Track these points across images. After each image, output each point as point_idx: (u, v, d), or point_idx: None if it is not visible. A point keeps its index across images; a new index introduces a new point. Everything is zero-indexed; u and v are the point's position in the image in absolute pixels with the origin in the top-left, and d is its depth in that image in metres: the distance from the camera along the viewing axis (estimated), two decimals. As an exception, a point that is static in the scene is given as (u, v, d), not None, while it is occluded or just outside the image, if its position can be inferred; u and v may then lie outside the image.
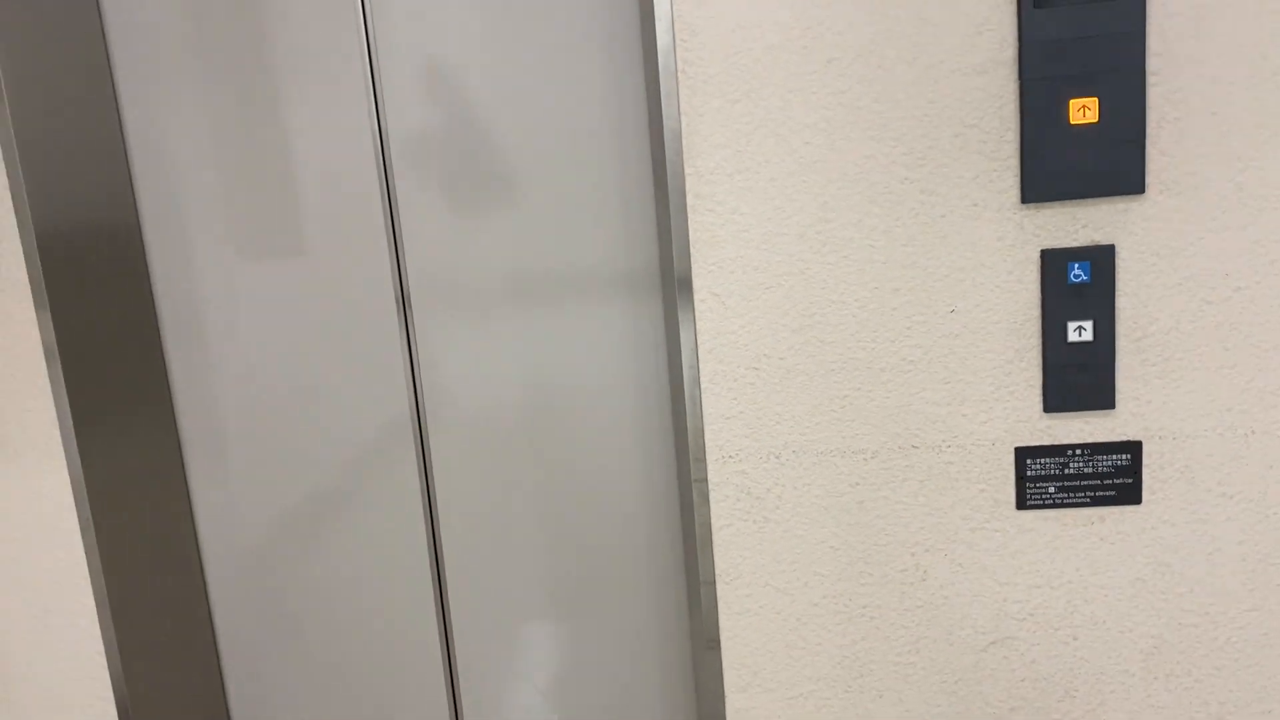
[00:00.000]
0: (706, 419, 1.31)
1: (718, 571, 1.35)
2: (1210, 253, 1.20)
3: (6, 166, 1.34)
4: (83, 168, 1.43)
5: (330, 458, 1.61)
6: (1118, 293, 1.23)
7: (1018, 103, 1.20)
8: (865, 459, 1.30)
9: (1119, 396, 1.25)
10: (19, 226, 1.35)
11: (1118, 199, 1.21)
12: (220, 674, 1.69)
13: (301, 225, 1.54)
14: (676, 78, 1.23)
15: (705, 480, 1.33)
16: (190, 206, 1.53)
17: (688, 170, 1.26)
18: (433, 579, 1.63)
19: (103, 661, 1.49)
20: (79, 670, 1.50)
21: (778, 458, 1.31)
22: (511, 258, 1.52)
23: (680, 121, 1.24)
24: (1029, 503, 1.29)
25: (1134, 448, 1.26)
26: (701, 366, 1.30)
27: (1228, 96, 1.17)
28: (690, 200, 1.26)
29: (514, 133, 1.50)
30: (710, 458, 1.32)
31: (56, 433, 1.41)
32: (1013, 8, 1.18)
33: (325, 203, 1.52)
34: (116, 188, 1.50)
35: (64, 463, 1.42)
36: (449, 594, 1.63)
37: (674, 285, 1.30)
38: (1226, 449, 1.25)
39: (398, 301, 1.54)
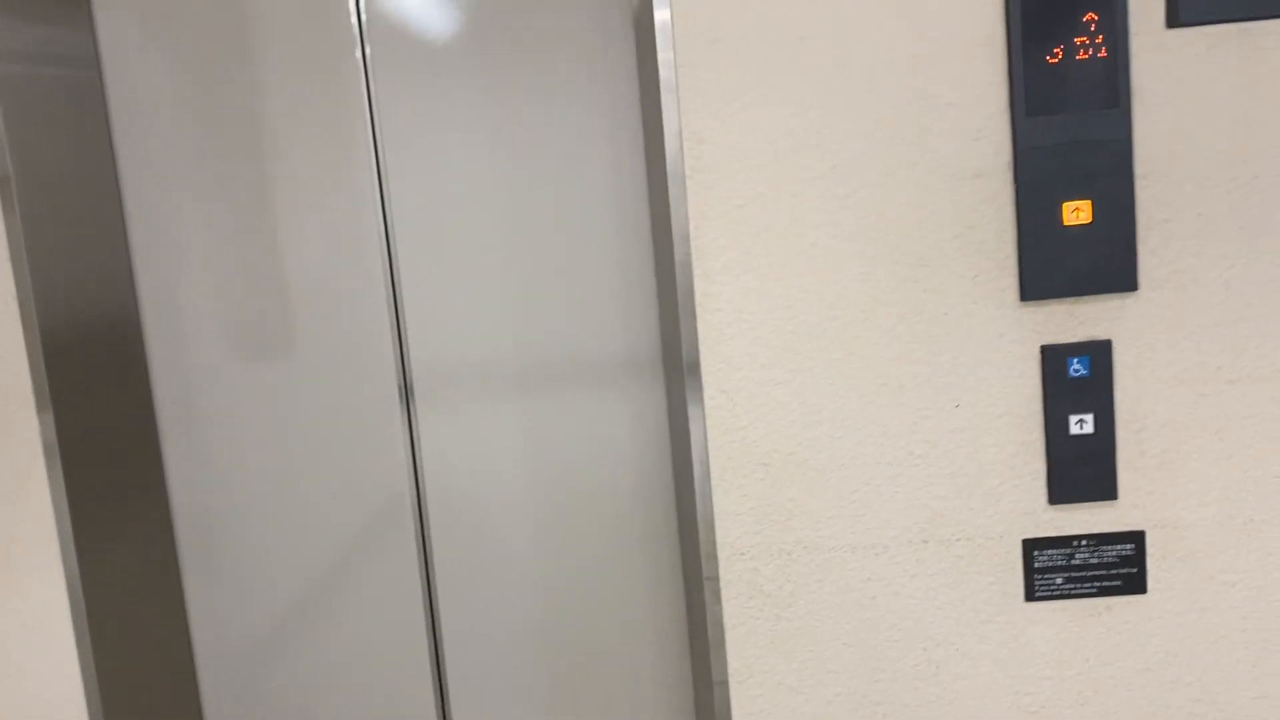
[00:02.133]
0: (717, 516, 1.32)
1: (730, 671, 1.34)
2: (1203, 347, 1.25)
3: (14, 267, 1.33)
4: (86, 267, 1.44)
5: (331, 553, 1.58)
6: (1116, 386, 1.27)
7: (1014, 205, 1.25)
8: (876, 554, 1.31)
9: (1121, 487, 1.28)
10: (24, 328, 1.34)
11: (1112, 296, 1.26)
12: (209, 788, 1.63)
13: (302, 320, 1.54)
14: (684, 183, 1.27)
15: (716, 578, 1.33)
16: (191, 304, 1.54)
17: (697, 271, 1.29)
18: (433, 677, 1.60)
19: (92, 778, 1.43)
20: (66, 788, 1.44)
21: (789, 554, 1.32)
22: (516, 351, 1.54)
23: (689, 225, 1.28)
24: (1037, 594, 1.31)
25: (1137, 537, 1.29)
26: (711, 463, 1.31)
27: (1211, 199, 1.23)
28: (700, 299, 1.29)
29: (520, 233, 1.53)
30: (721, 555, 1.33)
31: (54, 537, 1.38)
32: (1007, 116, 1.24)
33: (327, 297, 1.53)
34: (119, 287, 1.50)
35: (60, 570, 1.38)
36: (449, 691, 1.59)
37: (682, 383, 1.32)
38: (1227, 537, 1.28)
39: (400, 392, 1.55)
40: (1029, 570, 1.30)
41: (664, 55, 1.25)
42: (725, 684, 1.35)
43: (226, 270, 1.53)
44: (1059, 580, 1.30)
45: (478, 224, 1.53)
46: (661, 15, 1.23)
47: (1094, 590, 1.30)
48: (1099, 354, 1.26)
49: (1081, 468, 1.28)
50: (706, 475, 1.32)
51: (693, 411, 1.31)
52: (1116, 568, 1.29)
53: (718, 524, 1.32)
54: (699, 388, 1.31)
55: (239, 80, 1.50)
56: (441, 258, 1.53)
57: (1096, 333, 1.26)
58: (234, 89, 1.50)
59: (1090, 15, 1.21)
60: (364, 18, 1.50)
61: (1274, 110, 1.21)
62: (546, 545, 1.59)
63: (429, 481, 1.57)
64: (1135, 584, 1.29)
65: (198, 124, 1.51)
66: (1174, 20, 1.21)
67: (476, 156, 1.54)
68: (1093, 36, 1.22)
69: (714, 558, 1.33)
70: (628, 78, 1.55)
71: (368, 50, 1.50)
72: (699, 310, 1.30)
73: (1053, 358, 1.26)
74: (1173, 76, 1.22)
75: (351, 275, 1.53)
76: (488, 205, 1.53)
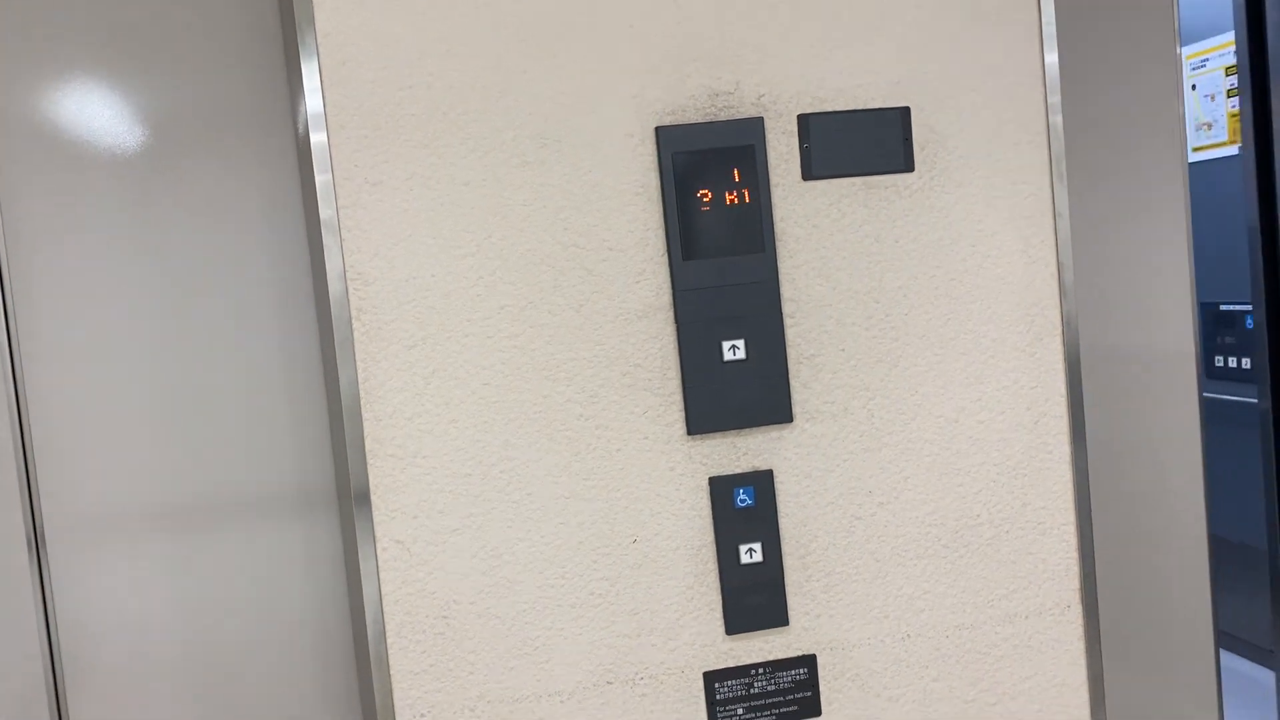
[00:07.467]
0: (395, 676, 1.24)
1: (413, 844, 1.25)
2: (855, 473, 1.33)
3: None
4: None
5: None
6: (780, 514, 1.32)
7: (676, 343, 1.30)
8: (562, 700, 1.27)
9: (791, 613, 1.33)
10: None
11: (771, 428, 1.32)
12: None
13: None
14: (351, 325, 1.23)
15: (395, 743, 1.24)
16: None
17: (366, 415, 1.23)
18: None
19: None
20: None
21: (472, 710, 1.26)
22: (171, 496, 1.42)
23: (356, 367, 1.23)
24: (721, 727, 1.31)
25: (809, 661, 1.33)
26: (387, 621, 1.24)
27: (852, 335, 1.33)
28: (370, 445, 1.24)
29: (178, 366, 1.48)
30: (401, 718, 1.24)
31: None
32: (665, 260, 1.29)
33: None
34: None
35: None
36: None
37: (354, 536, 1.25)
38: (889, 654, 1.35)
39: (29, 538, 1.40)
40: (711, 703, 1.31)
41: (324, 196, 1.22)
42: None
43: None
44: (740, 710, 1.31)
45: (128, 356, 1.46)
46: (318, 139, 1.20)
47: (773, 717, 1.32)
48: (762, 484, 1.31)
49: (754, 596, 1.31)
50: (382, 634, 1.24)
51: (365, 566, 1.24)
52: (792, 692, 1.32)
53: (396, 685, 1.24)
54: (371, 540, 1.24)
55: None
56: (83, 392, 1.43)
57: (759, 463, 1.32)
58: None
59: (735, 167, 1.30)
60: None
61: (896, 252, 1.34)
62: (210, 712, 1.45)
63: (65, 649, 1.41)
64: (810, 707, 1.33)
65: None
66: (808, 174, 1.32)
67: (128, 288, 1.46)
68: (739, 187, 1.30)
69: (392, 721, 1.24)
70: (295, 212, 1.52)
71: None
72: (370, 456, 1.24)
73: (720, 489, 1.30)
74: (811, 223, 1.32)
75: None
76: (139, 338, 1.47)
